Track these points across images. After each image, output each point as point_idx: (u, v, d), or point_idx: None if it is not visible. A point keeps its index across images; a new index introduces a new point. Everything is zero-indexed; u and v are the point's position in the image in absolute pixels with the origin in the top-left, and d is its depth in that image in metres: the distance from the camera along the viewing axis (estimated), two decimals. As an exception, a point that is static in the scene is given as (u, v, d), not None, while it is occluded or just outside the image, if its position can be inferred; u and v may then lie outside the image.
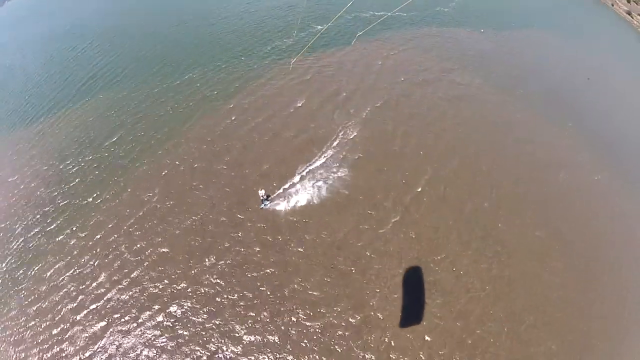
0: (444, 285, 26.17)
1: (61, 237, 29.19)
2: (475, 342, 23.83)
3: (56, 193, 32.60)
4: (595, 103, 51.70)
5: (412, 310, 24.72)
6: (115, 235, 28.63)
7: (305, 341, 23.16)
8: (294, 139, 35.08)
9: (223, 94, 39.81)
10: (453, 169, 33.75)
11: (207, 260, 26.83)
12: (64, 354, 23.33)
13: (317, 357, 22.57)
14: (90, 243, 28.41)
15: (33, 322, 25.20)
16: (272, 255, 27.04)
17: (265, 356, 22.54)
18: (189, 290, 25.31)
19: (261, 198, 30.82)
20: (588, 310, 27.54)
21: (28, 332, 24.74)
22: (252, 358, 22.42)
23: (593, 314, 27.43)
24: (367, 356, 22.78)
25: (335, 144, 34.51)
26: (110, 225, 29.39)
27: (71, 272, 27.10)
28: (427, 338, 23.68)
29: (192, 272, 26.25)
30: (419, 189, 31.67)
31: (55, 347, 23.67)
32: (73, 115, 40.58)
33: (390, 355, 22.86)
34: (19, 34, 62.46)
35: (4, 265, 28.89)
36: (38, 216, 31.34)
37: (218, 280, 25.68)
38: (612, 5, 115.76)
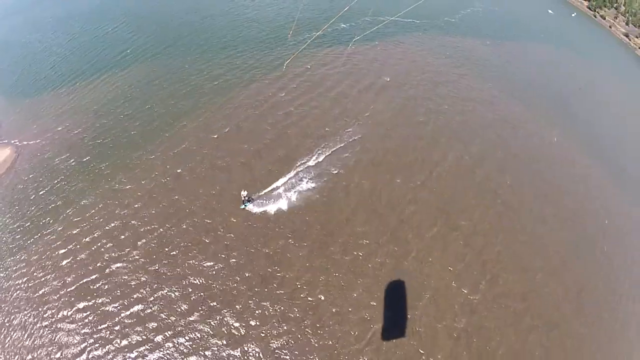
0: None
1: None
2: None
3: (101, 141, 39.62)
4: (587, 108, 59.41)
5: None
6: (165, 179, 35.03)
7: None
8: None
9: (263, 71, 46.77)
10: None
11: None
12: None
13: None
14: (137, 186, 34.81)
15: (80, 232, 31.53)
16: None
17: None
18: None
19: (242, 199, 33.18)
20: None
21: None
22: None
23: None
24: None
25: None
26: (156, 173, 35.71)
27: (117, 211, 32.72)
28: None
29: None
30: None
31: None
32: (117, 80, 47.89)
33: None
34: (39, 14, 69.66)
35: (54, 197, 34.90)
36: (84, 160, 37.61)
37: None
38: (610, 27, 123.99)
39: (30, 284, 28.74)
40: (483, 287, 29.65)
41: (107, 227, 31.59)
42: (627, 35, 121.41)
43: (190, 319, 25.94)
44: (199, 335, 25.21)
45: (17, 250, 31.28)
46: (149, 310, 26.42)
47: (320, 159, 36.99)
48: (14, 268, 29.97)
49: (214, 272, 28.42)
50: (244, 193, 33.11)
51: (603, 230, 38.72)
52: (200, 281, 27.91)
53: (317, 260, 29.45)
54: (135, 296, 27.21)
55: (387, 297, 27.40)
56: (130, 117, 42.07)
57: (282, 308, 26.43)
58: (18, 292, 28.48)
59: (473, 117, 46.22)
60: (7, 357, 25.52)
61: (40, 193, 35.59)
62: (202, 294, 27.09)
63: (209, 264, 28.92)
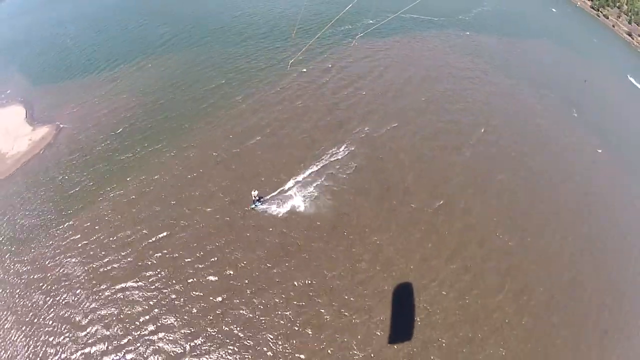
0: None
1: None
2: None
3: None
4: (591, 96, 65.30)
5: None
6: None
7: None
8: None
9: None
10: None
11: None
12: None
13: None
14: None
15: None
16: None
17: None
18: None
19: (253, 199, 32.98)
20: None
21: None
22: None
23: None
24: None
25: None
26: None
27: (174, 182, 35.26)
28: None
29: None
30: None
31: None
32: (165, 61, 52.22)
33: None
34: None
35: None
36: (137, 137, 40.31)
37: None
38: (614, 26, 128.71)
39: (84, 247, 30.86)
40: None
41: (163, 195, 34.12)
42: (630, 34, 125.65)
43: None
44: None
45: (66, 217, 33.29)
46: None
47: (382, 131, 41.56)
48: (64, 236, 31.91)
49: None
50: (254, 192, 32.83)
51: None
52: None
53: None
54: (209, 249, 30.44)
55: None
56: (175, 100, 45.34)
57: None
58: (72, 256, 30.37)
59: (495, 102, 52.08)
60: (71, 317, 27.04)
61: (83, 165, 38.03)
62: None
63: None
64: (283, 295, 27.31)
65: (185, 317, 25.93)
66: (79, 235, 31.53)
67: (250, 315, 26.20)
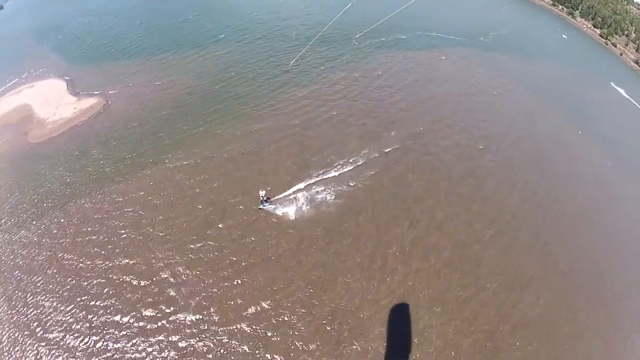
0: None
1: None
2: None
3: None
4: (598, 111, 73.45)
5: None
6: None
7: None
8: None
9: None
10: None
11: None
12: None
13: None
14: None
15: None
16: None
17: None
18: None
19: (260, 199, 33.85)
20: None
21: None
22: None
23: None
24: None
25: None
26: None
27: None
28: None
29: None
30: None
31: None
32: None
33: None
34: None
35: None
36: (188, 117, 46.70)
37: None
38: (621, 54, 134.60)
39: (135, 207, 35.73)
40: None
41: (209, 165, 39.73)
42: (637, 62, 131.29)
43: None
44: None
45: (120, 180, 38.16)
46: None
47: (420, 127, 48.68)
48: (116, 197, 36.69)
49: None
50: (262, 192, 33.65)
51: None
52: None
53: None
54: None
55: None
56: (224, 86, 52.28)
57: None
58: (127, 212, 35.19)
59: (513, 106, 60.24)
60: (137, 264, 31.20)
61: (140, 134, 44.13)
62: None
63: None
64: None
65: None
66: (142, 192, 36.83)
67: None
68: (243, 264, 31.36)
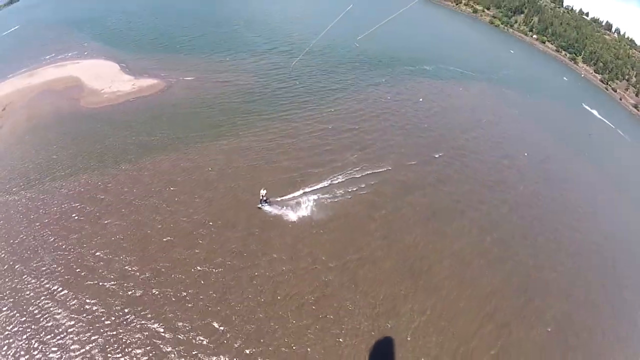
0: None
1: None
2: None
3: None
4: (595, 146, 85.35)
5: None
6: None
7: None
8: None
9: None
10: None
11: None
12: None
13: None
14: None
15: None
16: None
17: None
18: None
19: (260, 198, 34.70)
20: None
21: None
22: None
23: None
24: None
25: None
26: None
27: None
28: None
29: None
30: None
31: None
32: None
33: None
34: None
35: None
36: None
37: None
38: (621, 99, 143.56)
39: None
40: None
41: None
42: (636, 107, 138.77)
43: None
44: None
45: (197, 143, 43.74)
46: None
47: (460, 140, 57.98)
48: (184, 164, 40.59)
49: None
50: (263, 192, 34.51)
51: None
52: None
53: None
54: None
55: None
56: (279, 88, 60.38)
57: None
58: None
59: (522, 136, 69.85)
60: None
61: (202, 113, 49.89)
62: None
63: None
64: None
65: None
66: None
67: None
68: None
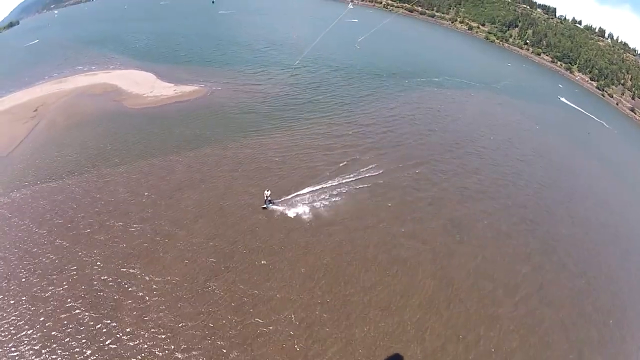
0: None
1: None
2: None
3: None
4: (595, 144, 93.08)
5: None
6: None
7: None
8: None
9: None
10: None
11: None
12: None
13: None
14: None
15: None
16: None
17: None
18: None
19: (265, 198, 35.79)
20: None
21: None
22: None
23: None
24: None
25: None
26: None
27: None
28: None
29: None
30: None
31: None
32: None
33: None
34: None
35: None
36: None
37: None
38: (617, 104, 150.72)
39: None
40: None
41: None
42: (632, 110, 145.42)
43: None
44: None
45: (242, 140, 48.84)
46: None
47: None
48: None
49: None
50: (267, 192, 35.80)
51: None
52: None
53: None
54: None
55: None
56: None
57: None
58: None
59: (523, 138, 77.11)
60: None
61: (247, 115, 55.48)
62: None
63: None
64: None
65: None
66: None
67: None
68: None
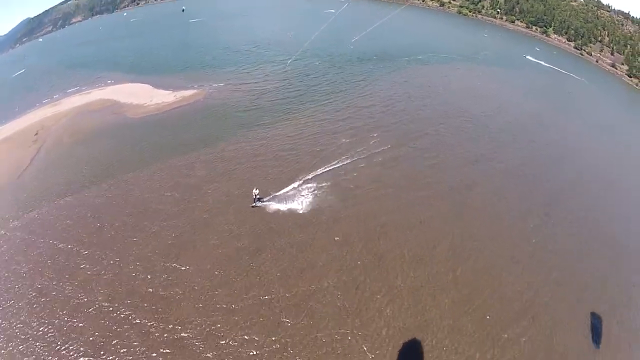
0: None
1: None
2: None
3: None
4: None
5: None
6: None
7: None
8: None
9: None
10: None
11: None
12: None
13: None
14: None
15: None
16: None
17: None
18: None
19: (253, 197, 36.22)
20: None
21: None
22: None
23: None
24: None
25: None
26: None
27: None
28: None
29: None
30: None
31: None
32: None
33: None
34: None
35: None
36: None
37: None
38: (597, 61, 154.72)
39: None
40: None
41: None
42: (613, 65, 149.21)
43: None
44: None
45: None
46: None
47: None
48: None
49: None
50: (255, 191, 36.26)
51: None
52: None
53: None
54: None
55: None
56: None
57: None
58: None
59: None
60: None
61: (245, 111, 57.71)
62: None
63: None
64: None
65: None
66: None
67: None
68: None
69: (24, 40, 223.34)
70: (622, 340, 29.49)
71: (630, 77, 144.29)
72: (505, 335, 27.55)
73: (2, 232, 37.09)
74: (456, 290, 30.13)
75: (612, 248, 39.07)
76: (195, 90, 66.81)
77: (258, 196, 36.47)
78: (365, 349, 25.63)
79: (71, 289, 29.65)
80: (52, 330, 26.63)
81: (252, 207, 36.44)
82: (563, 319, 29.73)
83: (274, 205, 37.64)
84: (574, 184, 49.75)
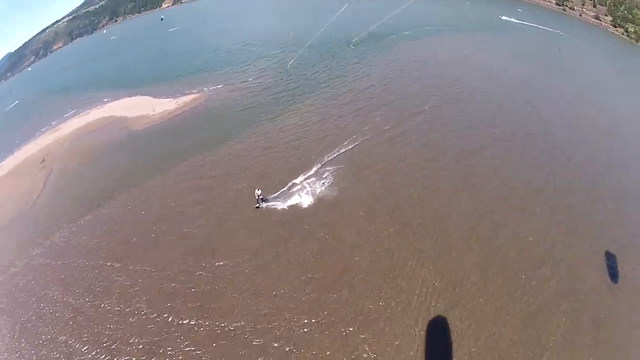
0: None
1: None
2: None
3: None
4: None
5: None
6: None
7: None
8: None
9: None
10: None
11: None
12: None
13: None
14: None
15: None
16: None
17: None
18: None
19: (256, 197, 35.88)
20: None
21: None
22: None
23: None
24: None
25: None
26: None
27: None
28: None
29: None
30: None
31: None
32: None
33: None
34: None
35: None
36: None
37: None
38: (580, 15, 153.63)
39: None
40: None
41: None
42: (597, 18, 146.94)
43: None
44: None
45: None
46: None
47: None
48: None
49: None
50: (257, 192, 35.95)
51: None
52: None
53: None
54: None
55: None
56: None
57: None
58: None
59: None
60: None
61: (245, 109, 58.21)
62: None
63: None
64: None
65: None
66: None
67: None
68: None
69: (8, 75, 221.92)
70: (637, 274, 31.53)
71: (615, 27, 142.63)
72: (534, 282, 29.71)
73: (25, 261, 37.24)
74: (480, 249, 32.07)
75: (618, 195, 40.92)
76: (195, 95, 67.46)
77: (261, 196, 36.23)
78: (408, 309, 27.55)
79: (109, 302, 30.17)
80: (96, 348, 27.02)
81: (256, 208, 36.29)
82: (580, 261, 31.78)
83: (293, 196, 38.62)
84: (575, 139, 51.19)
